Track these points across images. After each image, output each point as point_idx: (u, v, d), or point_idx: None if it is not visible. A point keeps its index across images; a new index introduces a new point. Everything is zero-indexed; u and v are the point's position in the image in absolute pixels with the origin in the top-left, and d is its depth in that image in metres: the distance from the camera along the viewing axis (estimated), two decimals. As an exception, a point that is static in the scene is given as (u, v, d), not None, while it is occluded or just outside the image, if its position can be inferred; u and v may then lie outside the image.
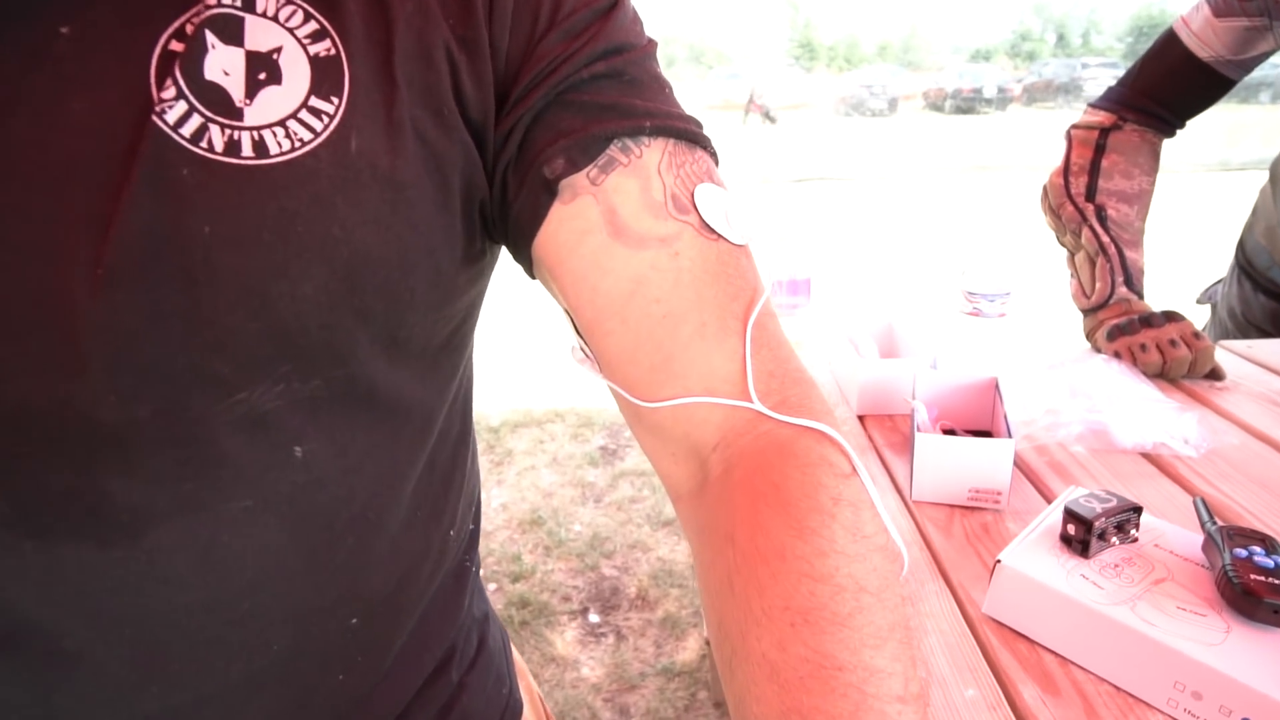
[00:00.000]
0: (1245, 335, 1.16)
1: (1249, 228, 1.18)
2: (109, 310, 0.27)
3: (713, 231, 0.36)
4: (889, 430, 0.88)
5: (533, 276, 0.40)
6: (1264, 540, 0.53)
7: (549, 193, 0.35)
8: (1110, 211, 1.02)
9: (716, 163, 0.40)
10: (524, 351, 3.42)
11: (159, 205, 0.27)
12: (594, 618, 1.92)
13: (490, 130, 0.35)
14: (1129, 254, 1.01)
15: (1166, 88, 1.02)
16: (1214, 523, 0.57)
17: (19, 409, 0.28)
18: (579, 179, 0.35)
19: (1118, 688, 0.51)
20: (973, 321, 0.91)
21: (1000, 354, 0.90)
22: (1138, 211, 1.03)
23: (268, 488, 0.33)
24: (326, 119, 0.30)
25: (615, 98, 0.36)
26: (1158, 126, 1.03)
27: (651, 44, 0.39)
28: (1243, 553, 0.52)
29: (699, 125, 0.38)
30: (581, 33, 0.35)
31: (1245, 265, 1.18)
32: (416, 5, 0.32)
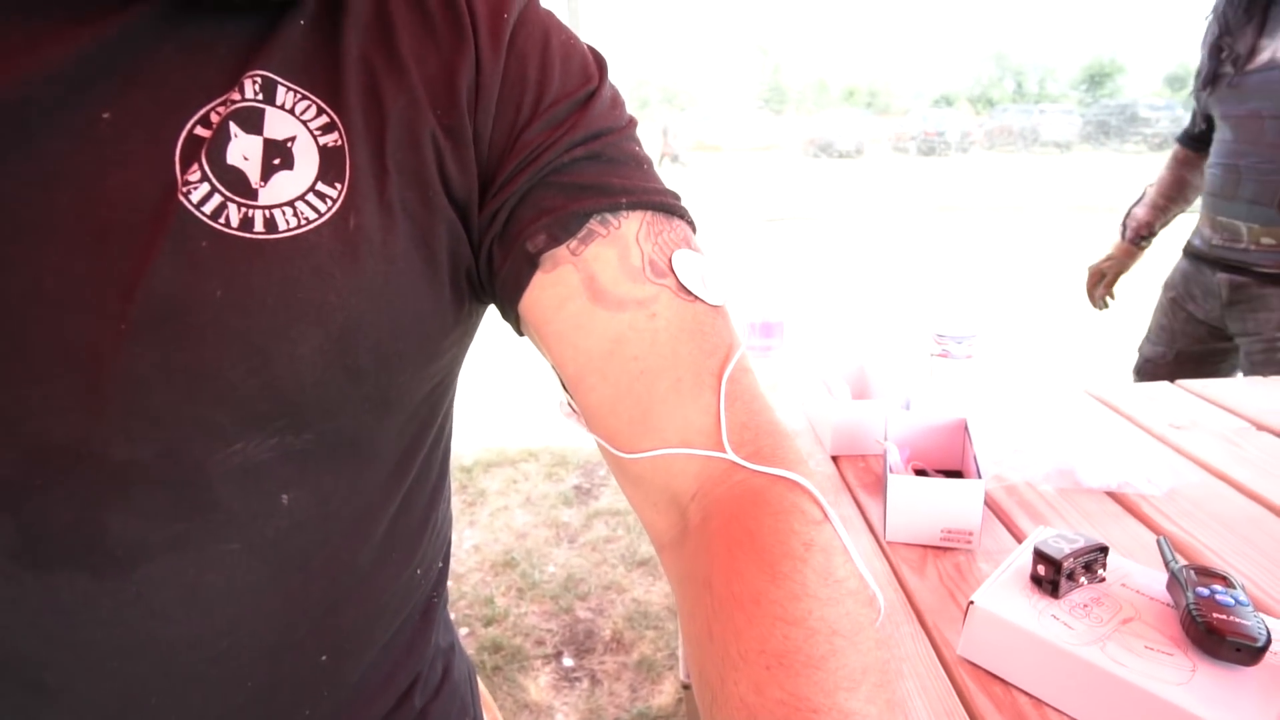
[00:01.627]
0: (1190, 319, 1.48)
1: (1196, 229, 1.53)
2: (129, 360, 0.30)
3: (689, 293, 0.39)
4: (862, 471, 0.89)
5: (520, 334, 0.42)
6: (1224, 579, 0.55)
7: (531, 264, 0.38)
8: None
9: (694, 230, 0.42)
10: (498, 391, 3.39)
11: (178, 271, 0.30)
12: (568, 661, 1.88)
13: (474, 208, 0.38)
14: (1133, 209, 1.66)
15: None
16: (1177, 561, 0.59)
17: (37, 444, 0.30)
18: (560, 251, 0.38)
19: (1091, 729, 0.51)
20: (942, 363, 0.94)
21: (968, 395, 0.93)
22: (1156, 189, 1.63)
23: (254, 532, 0.35)
24: (330, 201, 0.34)
25: (594, 178, 0.39)
26: (1188, 144, 1.56)
27: (631, 123, 0.41)
28: (1205, 591, 0.53)
29: (676, 197, 0.41)
30: (563, 122, 0.38)
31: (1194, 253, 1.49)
32: (408, 99, 0.35)
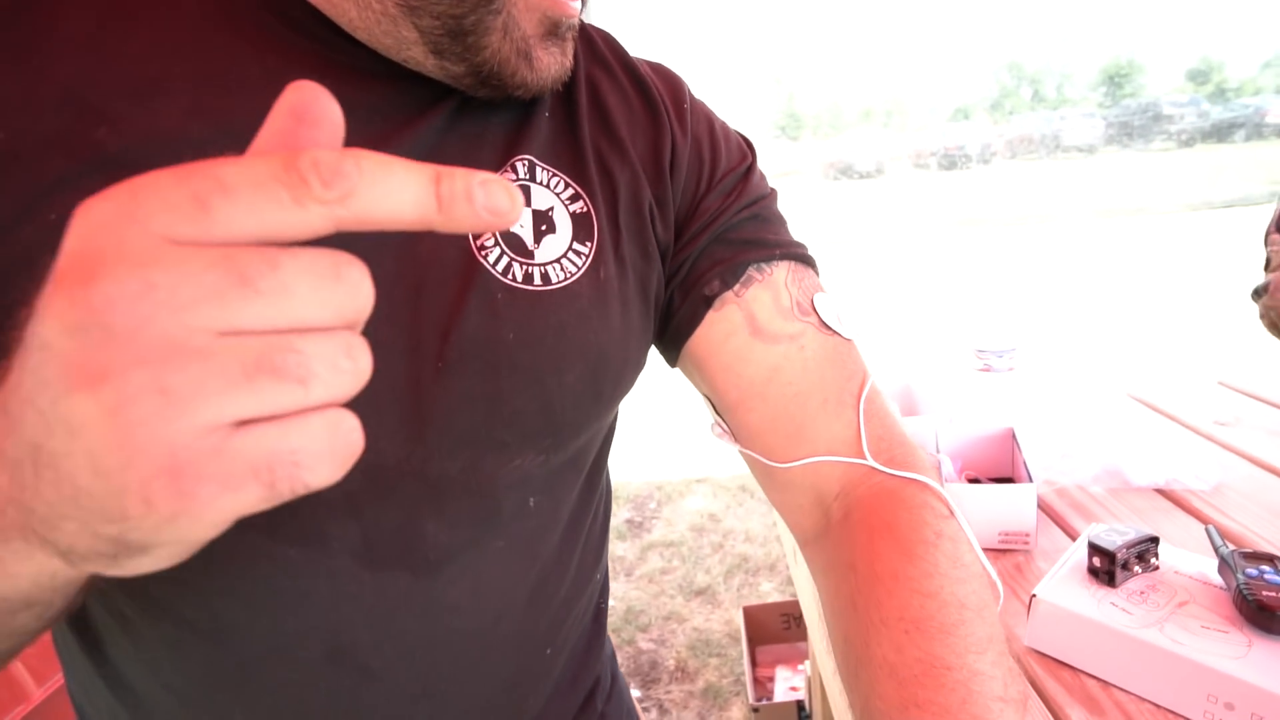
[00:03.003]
0: None
1: None
2: (443, 392, 0.38)
3: (829, 329, 0.48)
4: (917, 483, 0.93)
5: (673, 366, 0.51)
6: (1273, 560, 0.59)
7: (706, 304, 0.47)
8: None
9: (819, 276, 0.51)
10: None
11: (482, 318, 0.38)
12: (635, 693, 1.91)
13: (667, 259, 0.47)
14: None
15: None
16: (1226, 547, 0.63)
17: (375, 465, 0.36)
18: (727, 294, 0.47)
19: (1157, 705, 0.56)
20: (984, 377, 0.98)
21: (1012, 405, 0.97)
22: None
23: (514, 532, 0.43)
24: (584, 257, 0.42)
25: (753, 234, 0.48)
26: None
27: (774, 192, 0.52)
28: (1254, 572, 0.57)
29: (808, 249, 0.51)
30: (731, 191, 0.48)
31: None
32: (631, 173, 0.45)
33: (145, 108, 0.33)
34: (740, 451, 0.49)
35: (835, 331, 0.48)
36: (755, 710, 1.63)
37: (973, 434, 0.89)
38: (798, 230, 0.53)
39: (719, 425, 0.51)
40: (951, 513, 0.43)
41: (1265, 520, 0.77)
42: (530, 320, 0.39)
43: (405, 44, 0.37)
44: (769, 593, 2.29)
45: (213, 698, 0.41)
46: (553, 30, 0.39)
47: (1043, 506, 0.83)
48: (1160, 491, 0.85)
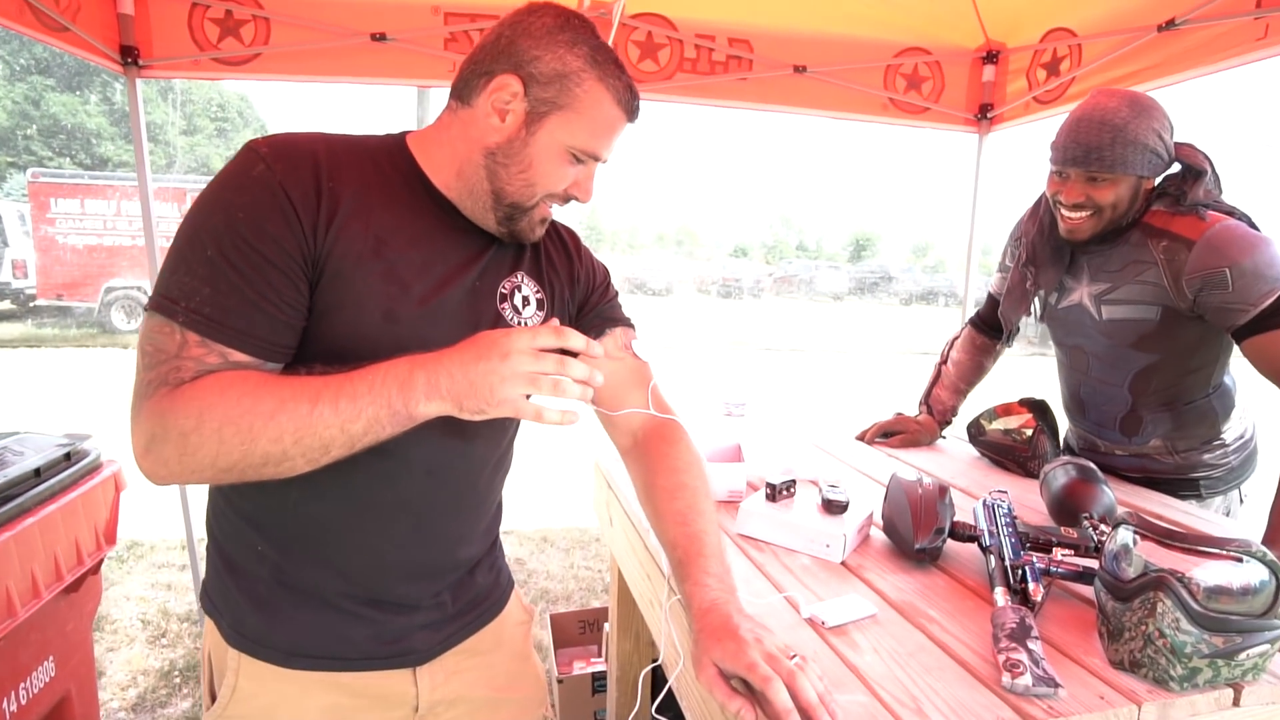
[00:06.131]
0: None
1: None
2: None
3: (638, 357, 1.07)
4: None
5: None
6: (837, 485, 1.27)
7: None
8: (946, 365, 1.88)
9: (635, 330, 1.11)
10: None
11: None
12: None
13: (573, 324, 1.04)
14: (935, 390, 1.88)
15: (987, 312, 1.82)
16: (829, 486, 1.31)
17: (439, 424, 0.78)
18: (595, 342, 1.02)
19: (789, 549, 1.19)
20: (727, 419, 1.65)
21: (742, 434, 1.64)
22: (956, 373, 1.85)
23: (489, 439, 0.98)
24: (540, 319, 0.97)
25: (609, 313, 1.08)
26: (984, 331, 1.83)
27: (615, 290, 1.12)
28: (830, 490, 1.25)
29: (630, 318, 1.12)
30: (601, 292, 1.08)
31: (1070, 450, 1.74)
32: (560, 283, 1.02)
33: (397, 238, 0.85)
34: (595, 410, 1.06)
35: (639, 358, 1.07)
36: (560, 682, 2.11)
37: (718, 445, 1.55)
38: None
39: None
40: (686, 432, 1.05)
41: (850, 484, 1.48)
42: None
43: (486, 218, 0.91)
44: (566, 616, 2.78)
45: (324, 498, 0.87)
46: (542, 220, 0.95)
47: (750, 485, 1.49)
48: (811, 482, 1.54)
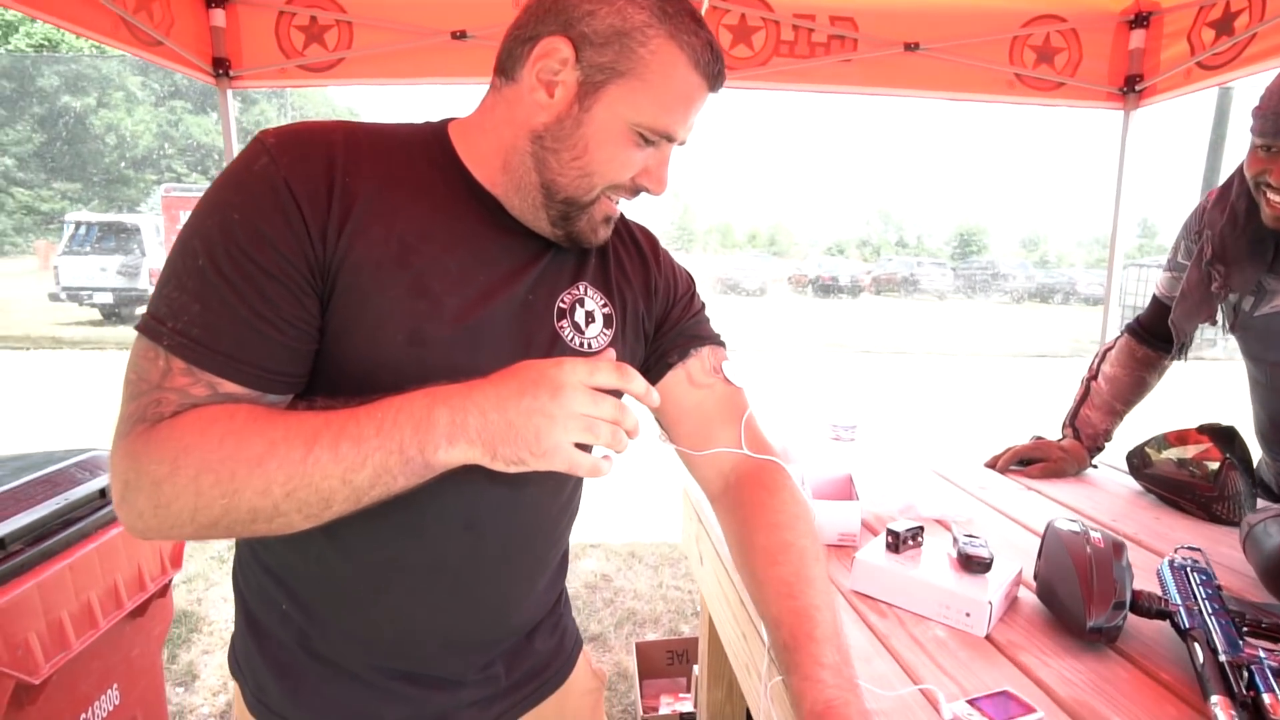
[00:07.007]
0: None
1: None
2: None
3: (729, 382, 0.88)
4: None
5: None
6: (976, 536, 1.04)
7: (668, 366, 0.87)
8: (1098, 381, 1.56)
9: (725, 349, 0.92)
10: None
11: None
12: None
13: (649, 341, 0.88)
14: (1084, 409, 1.55)
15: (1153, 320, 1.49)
16: (961, 533, 1.08)
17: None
18: (678, 362, 0.86)
19: (918, 614, 0.98)
20: (835, 443, 1.44)
21: (852, 462, 1.43)
22: (1111, 390, 1.52)
23: (546, 487, 0.81)
24: (608, 336, 0.81)
25: (694, 330, 0.89)
26: (1147, 342, 1.51)
27: (703, 303, 0.93)
28: (966, 540, 1.02)
29: (720, 335, 0.92)
30: (685, 305, 0.90)
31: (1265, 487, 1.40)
32: (633, 294, 0.85)
33: (428, 244, 0.69)
34: (676, 449, 0.89)
35: (732, 383, 0.88)
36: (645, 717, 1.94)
37: (827, 476, 1.33)
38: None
39: (664, 435, 0.89)
40: (789, 476, 0.85)
41: (988, 529, 1.24)
42: None
43: (538, 217, 0.74)
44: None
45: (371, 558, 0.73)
46: (606, 219, 0.77)
47: (866, 525, 1.28)
48: (938, 521, 1.31)
